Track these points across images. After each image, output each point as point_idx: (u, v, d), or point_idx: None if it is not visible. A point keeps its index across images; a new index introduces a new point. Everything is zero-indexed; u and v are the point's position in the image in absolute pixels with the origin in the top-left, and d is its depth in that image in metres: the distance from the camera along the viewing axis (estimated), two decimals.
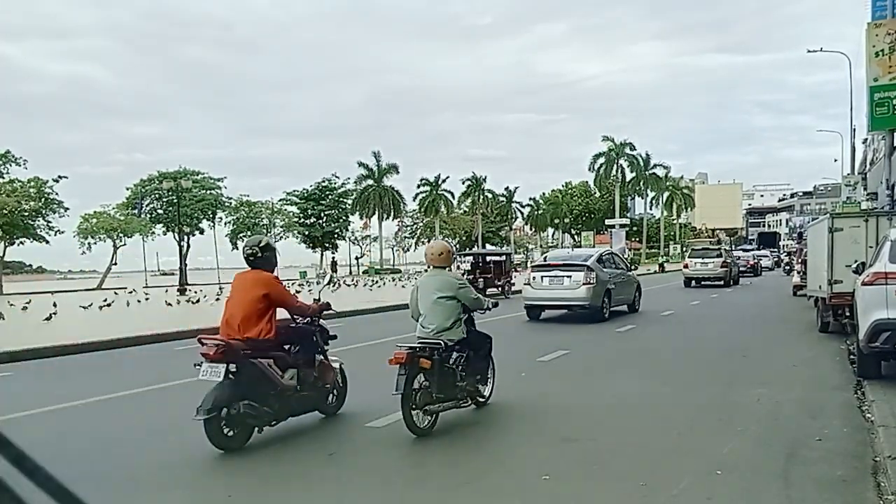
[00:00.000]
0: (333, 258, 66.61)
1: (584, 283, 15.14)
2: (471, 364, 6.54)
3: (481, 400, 6.90)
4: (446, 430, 6.23)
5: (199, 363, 5.76)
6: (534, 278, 16.04)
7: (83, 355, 11.89)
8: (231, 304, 6.00)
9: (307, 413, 6.35)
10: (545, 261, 17.55)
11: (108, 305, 22.83)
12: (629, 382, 8.48)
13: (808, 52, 35.32)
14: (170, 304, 23.69)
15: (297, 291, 30.34)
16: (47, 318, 17.67)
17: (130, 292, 30.97)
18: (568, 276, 15.53)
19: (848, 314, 10.83)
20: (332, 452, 5.50)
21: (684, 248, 45.22)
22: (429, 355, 5.96)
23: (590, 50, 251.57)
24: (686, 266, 30.53)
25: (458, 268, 26.57)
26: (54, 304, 20.31)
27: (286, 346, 6.16)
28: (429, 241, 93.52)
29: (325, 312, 6.67)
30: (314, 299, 6.69)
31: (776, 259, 51.47)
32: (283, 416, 5.98)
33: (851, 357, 9.27)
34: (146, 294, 29.72)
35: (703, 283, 29.50)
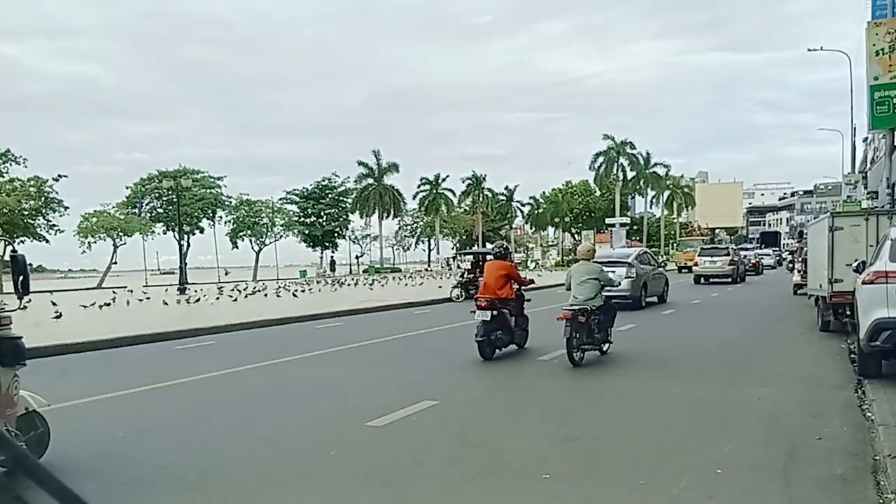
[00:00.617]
0: (332, 257, 66.66)
1: (626, 277, 17.21)
2: (601, 324, 9.76)
3: (604, 348, 10.03)
4: (445, 430, 6.24)
5: (473, 311, 10.13)
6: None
7: (82, 354, 11.89)
8: (487, 278, 10.42)
9: (515, 344, 10.58)
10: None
11: (109, 304, 22.80)
12: (629, 382, 8.48)
13: (809, 50, 35.48)
14: (166, 304, 23.61)
15: (301, 290, 30.42)
16: (56, 317, 17.74)
17: (130, 291, 30.95)
18: (612, 271, 17.73)
19: (848, 313, 10.82)
20: (332, 452, 5.50)
21: (676, 246, 44.61)
22: (582, 314, 9.30)
23: (590, 49, 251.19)
24: (696, 264, 31.59)
25: (459, 267, 26.78)
26: (53, 304, 20.34)
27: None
28: (429, 240, 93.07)
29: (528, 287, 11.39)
30: (524, 277, 11.43)
31: (778, 258, 52.10)
32: (509, 343, 10.36)
33: (852, 356, 9.27)
34: (146, 294, 29.71)
35: (711, 280, 30.49)
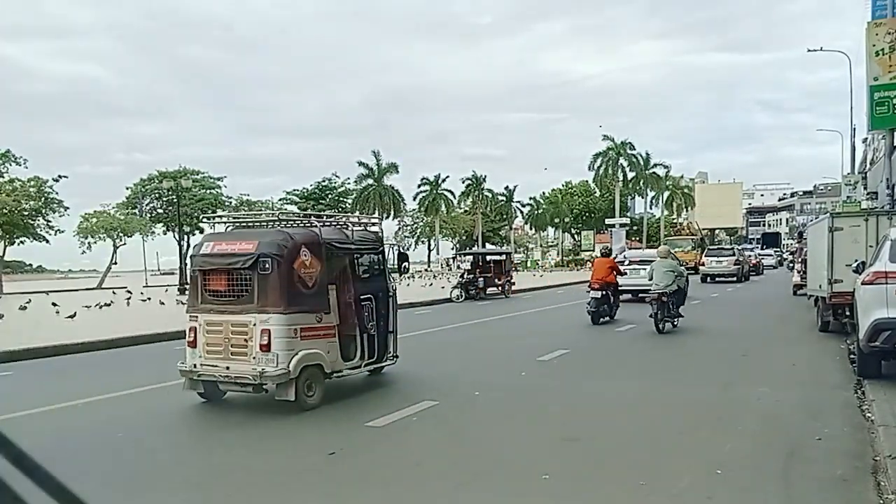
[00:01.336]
0: None
1: None
2: (675, 304, 13.56)
3: (675, 322, 13.60)
4: (445, 429, 6.24)
5: (588, 290, 15.01)
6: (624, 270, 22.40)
7: (82, 355, 11.89)
8: (597, 269, 15.23)
9: (609, 316, 15.06)
10: (630, 259, 23.49)
11: (109, 304, 22.79)
12: (629, 382, 8.48)
13: (809, 51, 35.42)
14: (163, 304, 23.54)
15: None
16: (71, 316, 17.87)
17: (129, 292, 30.94)
18: (644, 269, 20.83)
19: (848, 313, 10.82)
20: (332, 452, 5.50)
21: (664, 244, 43.68)
22: (664, 296, 13.08)
23: (590, 49, 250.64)
24: (702, 264, 33.21)
25: (459, 267, 27.06)
26: (53, 304, 20.34)
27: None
28: (429, 241, 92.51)
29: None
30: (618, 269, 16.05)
31: (779, 258, 52.85)
32: (607, 315, 14.90)
33: (851, 356, 9.27)
34: (144, 294, 29.67)
35: (717, 279, 31.89)
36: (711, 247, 39.39)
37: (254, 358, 6.90)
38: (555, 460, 5.17)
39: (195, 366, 7.28)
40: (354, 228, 8.50)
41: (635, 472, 4.79)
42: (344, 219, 9.04)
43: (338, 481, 4.87)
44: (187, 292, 8.41)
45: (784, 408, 6.76)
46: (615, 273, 15.42)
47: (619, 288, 20.54)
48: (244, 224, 9.00)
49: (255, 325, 6.93)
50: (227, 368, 7.04)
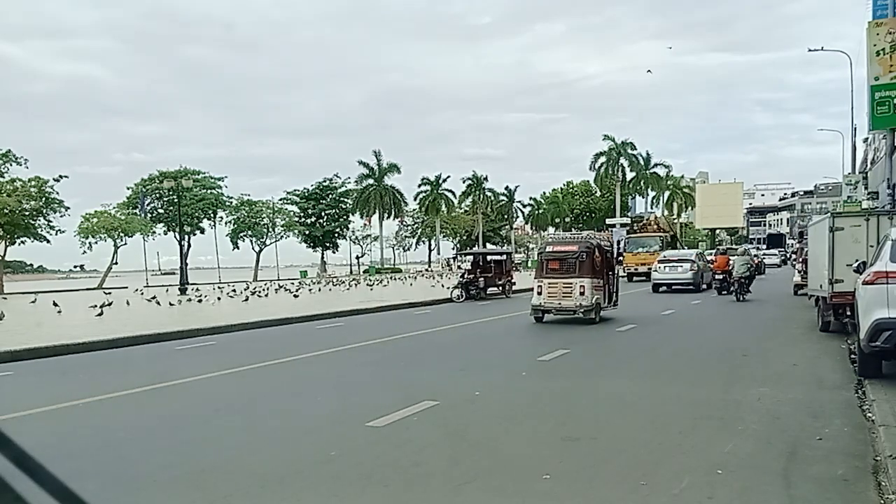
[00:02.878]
0: (323, 259, 66.67)
1: (690, 270, 25.73)
2: (748, 284, 21.44)
3: (747, 297, 21.05)
4: (445, 429, 6.24)
5: (712, 274, 24.87)
6: (659, 267, 26.35)
7: (83, 355, 11.89)
8: (720, 262, 23.92)
9: (728, 291, 22.55)
10: (665, 257, 27.40)
11: (110, 305, 22.80)
12: (629, 382, 8.48)
13: (809, 50, 35.67)
14: (159, 304, 23.48)
15: (299, 290, 30.47)
16: (99, 314, 18.12)
17: (135, 291, 30.99)
18: (680, 266, 26.03)
19: (849, 313, 10.82)
20: (332, 452, 5.50)
21: (625, 246, 37.02)
22: (742, 279, 21.21)
23: (590, 49, 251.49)
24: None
25: (459, 267, 27.40)
26: (55, 304, 20.27)
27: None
28: (429, 241, 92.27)
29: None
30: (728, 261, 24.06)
31: (783, 258, 54.04)
32: (726, 290, 22.69)
33: (852, 356, 9.27)
34: (144, 294, 29.67)
35: None
36: (720, 247, 41.24)
37: (575, 298, 14.61)
38: (555, 460, 5.17)
39: (540, 303, 15.07)
40: (604, 238, 16.76)
41: (635, 472, 4.79)
42: (600, 233, 16.60)
43: (338, 481, 4.87)
44: (536, 271, 16.04)
45: (785, 408, 6.75)
46: (729, 264, 22.75)
47: (662, 281, 26.52)
48: (567, 239, 16.51)
49: (576, 283, 14.71)
50: (559, 304, 14.82)
